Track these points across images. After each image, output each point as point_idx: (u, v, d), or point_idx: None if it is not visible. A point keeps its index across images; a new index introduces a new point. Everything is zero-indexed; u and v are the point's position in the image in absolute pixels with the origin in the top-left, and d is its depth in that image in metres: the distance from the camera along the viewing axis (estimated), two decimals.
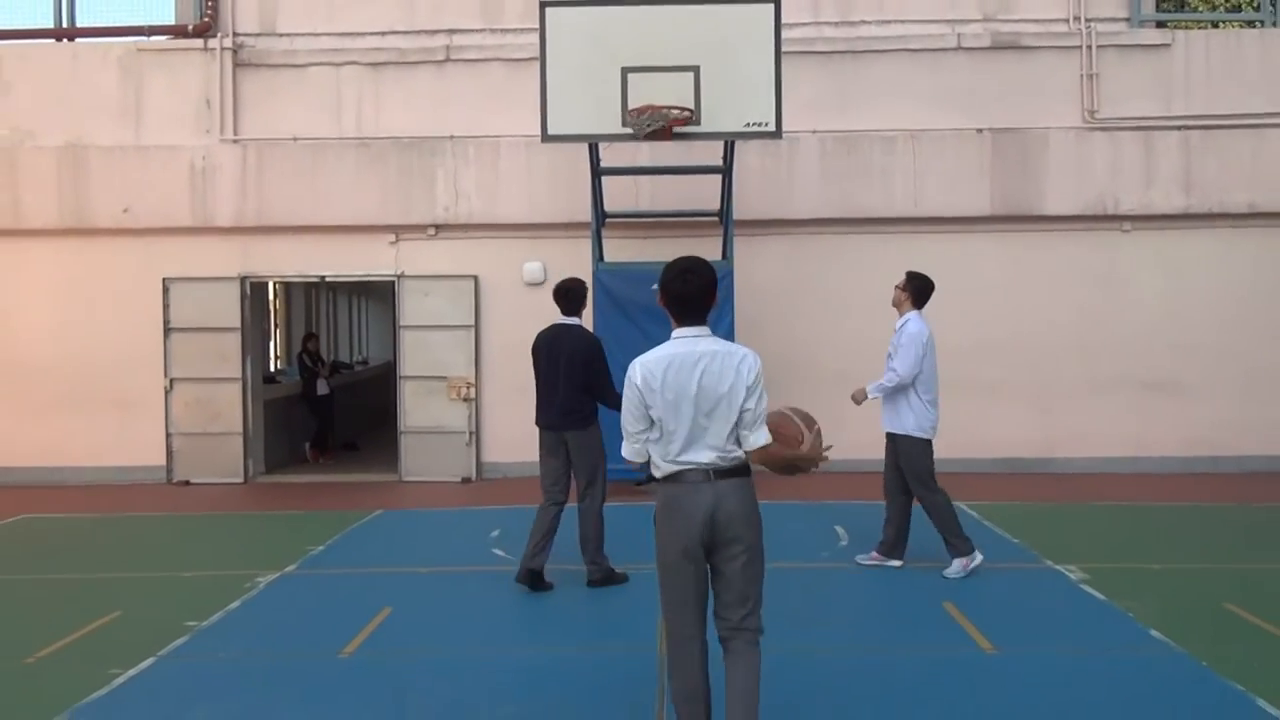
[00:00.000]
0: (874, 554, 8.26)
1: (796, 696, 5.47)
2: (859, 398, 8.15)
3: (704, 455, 4.26)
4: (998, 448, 12.96)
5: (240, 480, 13.12)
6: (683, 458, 4.27)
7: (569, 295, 7.80)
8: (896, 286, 8.23)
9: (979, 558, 7.85)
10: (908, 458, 7.99)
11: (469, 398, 13.00)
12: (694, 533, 4.24)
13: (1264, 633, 6.48)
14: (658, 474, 4.38)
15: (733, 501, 4.26)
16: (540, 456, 7.74)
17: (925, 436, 7.97)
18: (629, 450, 4.41)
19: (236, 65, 13.24)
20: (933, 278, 8.23)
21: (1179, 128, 12.90)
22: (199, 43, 13.24)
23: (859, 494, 11.20)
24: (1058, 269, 13.03)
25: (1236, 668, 5.76)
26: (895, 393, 7.98)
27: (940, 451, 13.01)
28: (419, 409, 13.09)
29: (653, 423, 4.32)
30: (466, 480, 12.99)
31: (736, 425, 4.28)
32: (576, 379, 7.52)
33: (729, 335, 11.33)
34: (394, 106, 13.20)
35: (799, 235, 13.08)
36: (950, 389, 12.52)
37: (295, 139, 13.11)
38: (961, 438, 12.66)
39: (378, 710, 5.38)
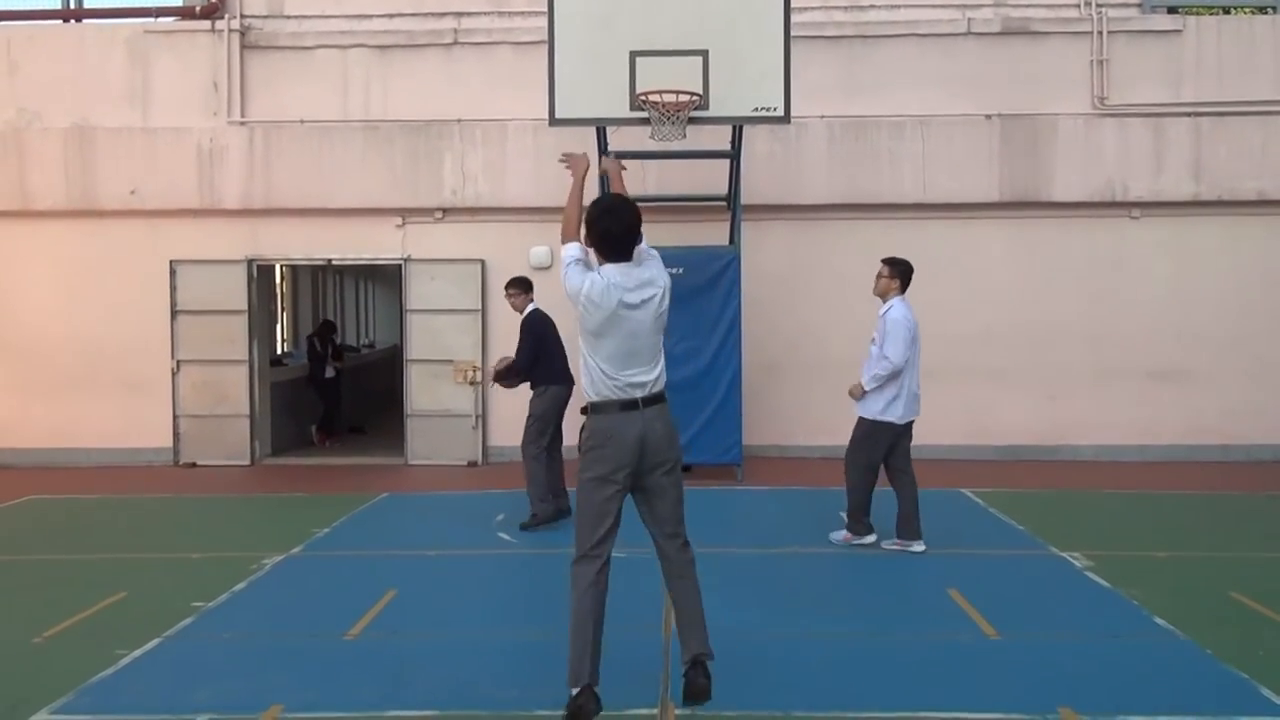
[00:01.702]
0: (896, 540, 8.22)
1: (800, 679, 5.48)
2: (856, 393, 8.18)
3: (636, 379, 4.68)
4: (1004, 435, 12.94)
5: (247, 462, 13.15)
6: (617, 381, 4.67)
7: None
8: (881, 274, 8.30)
9: (871, 539, 8.25)
10: (859, 433, 8.18)
11: (475, 381, 13.01)
12: (625, 458, 4.64)
13: (1270, 621, 6.47)
14: (592, 396, 4.76)
15: (659, 425, 4.73)
16: None
17: (888, 420, 8.06)
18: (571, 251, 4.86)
19: (244, 47, 13.22)
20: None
21: (1189, 114, 12.84)
22: (206, 24, 13.22)
23: None
24: (1066, 256, 12.99)
25: (1241, 656, 5.76)
26: (888, 381, 8.00)
27: (947, 438, 13.07)
28: (425, 392, 13.10)
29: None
30: (472, 464, 13.00)
31: (660, 347, 4.80)
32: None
33: (736, 319, 11.33)
34: (401, 89, 13.18)
35: (807, 220, 13.05)
36: (957, 376, 12.63)
37: (302, 121, 13.10)
38: (968, 425, 12.69)
39: (383, 692, 5.39)
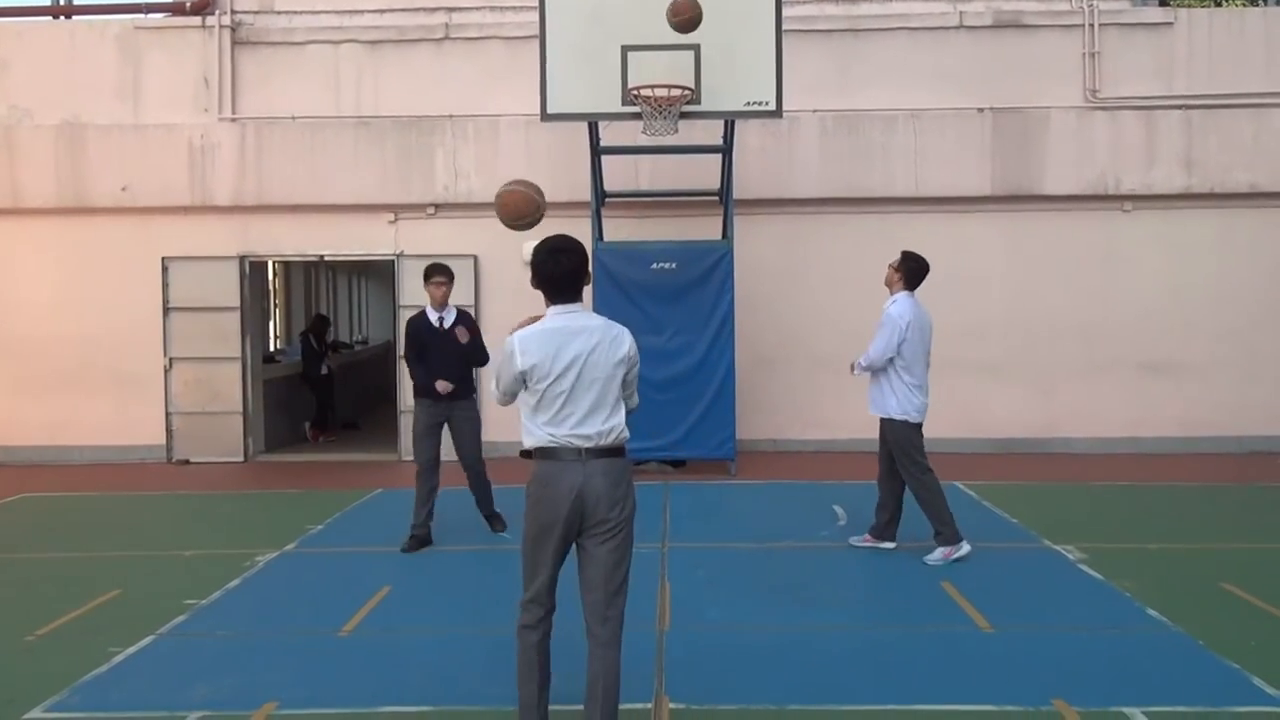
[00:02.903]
0: (866, 536, 8.23)
1: (794, 673, 5.49)
2: (852, 370, 8.16)
3: (578, 431, 4.31)
4: (997, 428, 12.97)
5: (240, 459, 13.13)
6: (556, 432, 4.33)
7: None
8: (890, 265, 8.04)
9: (965, 548, 7.71)
10: (895, 441, 7.87)
11: None
12: (561, 510, 4.30)
13: (1261, 612, 6.49)
14: (529, 443, 4.41)
15: (601, 482, 4.30)
16: None
17: (909, 419, 7.81)
18: (499, 399, 4.55)
19: (235, 43, 13.19)
20: (933, 258, 8.18)
21: (1181, 107, 12.86)
22: (197, 20, 13.18)
23: (858, 474, 11.22)
24: (1058, 249, 13.01)
25: (1233, 647, 5.78)
26: (878, 375, 7.89)
27: (940, 431, 12.97)
28: None
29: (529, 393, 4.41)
30: None
31: (616, 400, 4.40)
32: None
33: (728, 314, 11.32)
34: (393, 85, 13.15)
35: (799, 215, 13.05)
36: (950, 369, 12.60)
37: (294, 118, 13.07)
38: (961, 418, 12.70)
39: (377, 688, 5.39)
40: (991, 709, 5.02)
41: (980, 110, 12.87)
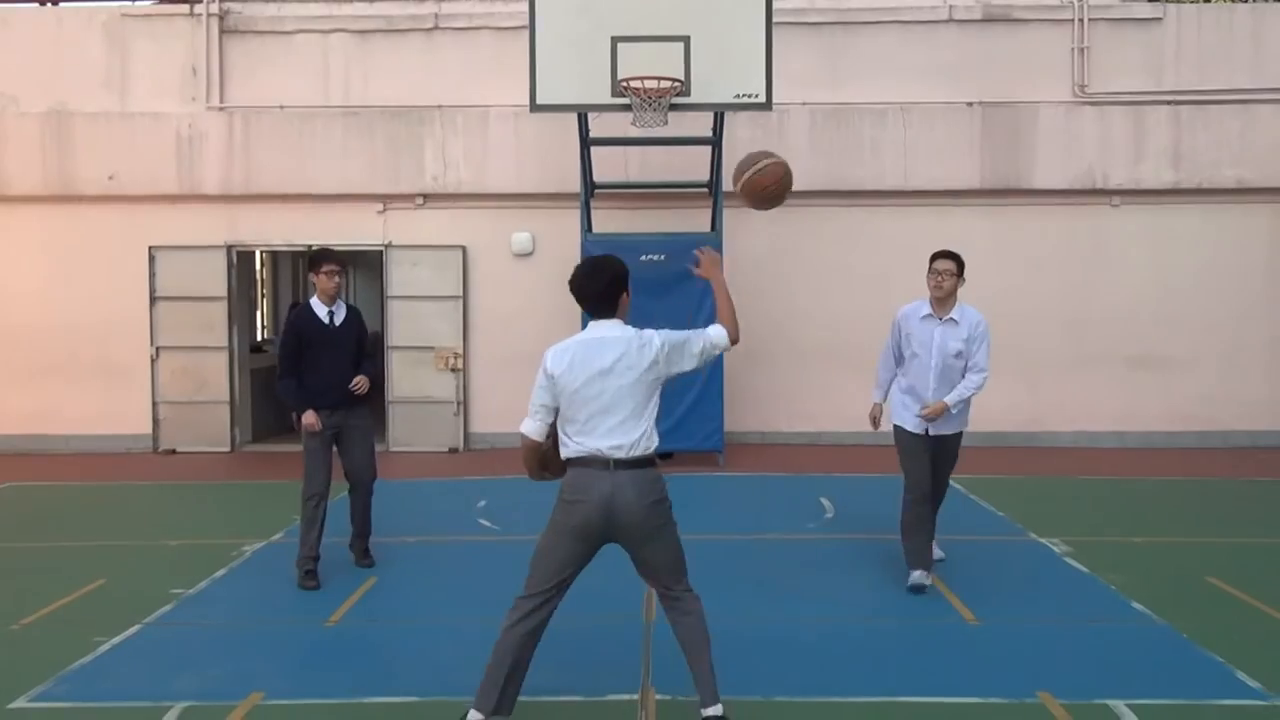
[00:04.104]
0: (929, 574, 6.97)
1: (780, 665, 5.50)
2: (937, 413, 6.78)
3: (606, 442, 4.41)
4: (983, 421, 12.82)
5: (227, 449, 13.10)
6: (586, 442, 4.43)
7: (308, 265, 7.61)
8: (943, 271, 6.81)
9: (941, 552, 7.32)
10: (954, 456, 7.14)
11: (456, 368, 12.98)
12: (590, 518, 4.41)
13: (1245, 606, 6.52)
14: (564, 454, 4.51)
15: (631, 492, 4.41)
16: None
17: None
18: (529, 426, 4.53)
19: (223, 32, 13.12)
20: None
21: (1169, 103, 12.89)
22: (185, 9, 13.12)
23: (845, 467, 11.27)
24: (1046, 243, 13.04)
25: (1217, 640, 5.80)
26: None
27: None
28: (406, 379, 13.07)
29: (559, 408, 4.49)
30: (454, 450, 12.98)
31: (648, 410, 4.50)
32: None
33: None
34: (382, 75, 13.10)
35: (788, 207, 12.74)
36: None
37: (282, 107, 13.01)
38: None
39: (363, 678, 5.38)
40: (977, 701, 5.04)
41: (970, 104, 12.89)
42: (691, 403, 11.38)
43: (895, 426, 7.00)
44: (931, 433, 6.90)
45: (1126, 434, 12.97)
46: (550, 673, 5.06)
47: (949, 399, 6.78)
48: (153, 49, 13.15)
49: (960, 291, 6.94)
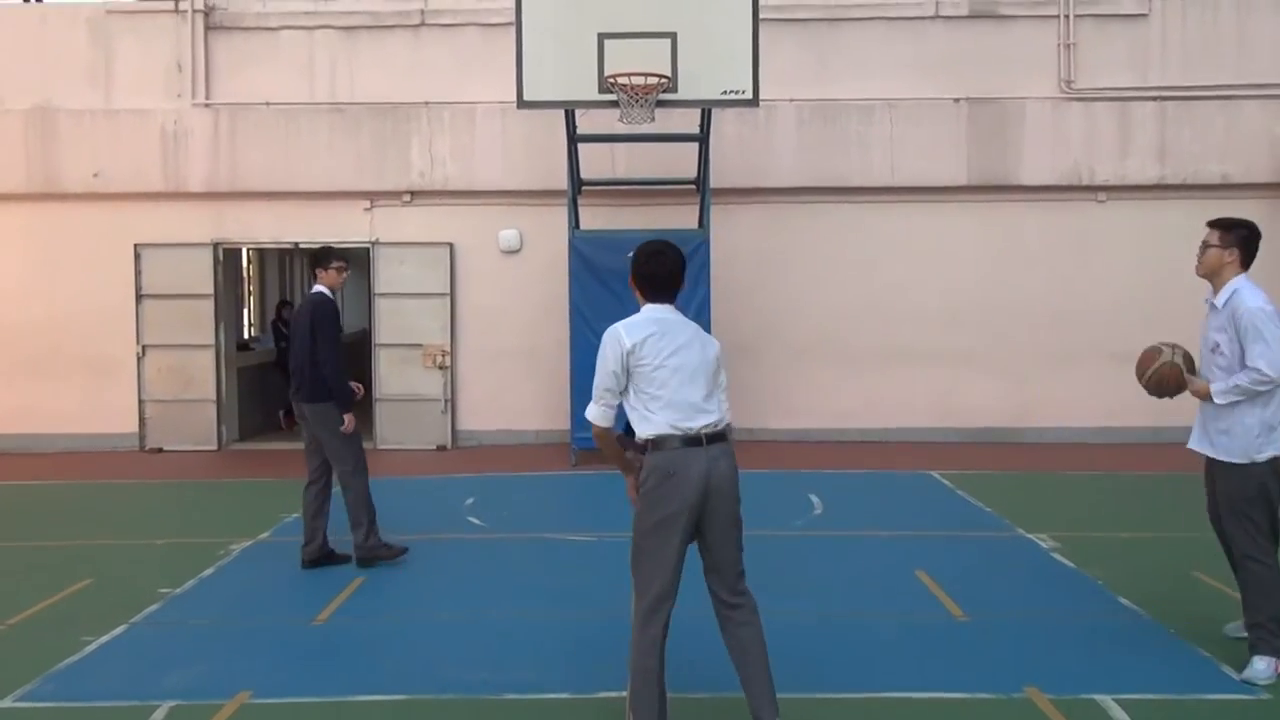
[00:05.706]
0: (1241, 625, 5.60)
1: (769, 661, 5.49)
2: (1202, 392, 5.42)
3: (696, 420, 4.33)
4: (971, 417, 13.01)
5: (214, 447, 13.06)
6: (678, 420, 4.32)
7: (313, 261, 7.70)
8: (1210, 243, 5.45)
9: None
10: (1226, 491, 5.42)
11: (444, 365, 12.96)
12: (690, 498, 4.28)
13: (1231, 600, 6.53)
14: (648, 432, 4.36)
15: (725, 465, 4.35)
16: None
17: (1248, 462, 5.28)
18: (596, 412, 4.43)
19: (208, 28, 13.06)
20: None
21: (1155, 98, 12.92)
22: (170, 5, 13.04)
23: (834, 463, 11.28)
24: (1032, 239, 13.07)
25: (1203, 635, 5.83)
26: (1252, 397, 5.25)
27: (914, 420, 13.00)
28: (394, 377, 13.04)
29: (625, 388, 4.37)
30: (442, 448, 12.97)
31: (721, 390, 4.46)
32: (308, 347, 7.27)
33: (704, 304, 11.32)
34: (368, 71, 13.07)
35: (776, 204, 13.05)
36: (923, 358, 12.71)
37: (268, 104, 12.97)
38: (935, 406, 12.76)
39: (351, 677, 5.38)
40: (964, 696, 5.06)
41: (956, 100, 12.90)
42: None
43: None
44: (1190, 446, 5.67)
45: (1112, 429, 12.99)
46: (540, 670, 5.07)
47: (1214, 389, 5.37)
48: (137, 45, 13.09)
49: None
